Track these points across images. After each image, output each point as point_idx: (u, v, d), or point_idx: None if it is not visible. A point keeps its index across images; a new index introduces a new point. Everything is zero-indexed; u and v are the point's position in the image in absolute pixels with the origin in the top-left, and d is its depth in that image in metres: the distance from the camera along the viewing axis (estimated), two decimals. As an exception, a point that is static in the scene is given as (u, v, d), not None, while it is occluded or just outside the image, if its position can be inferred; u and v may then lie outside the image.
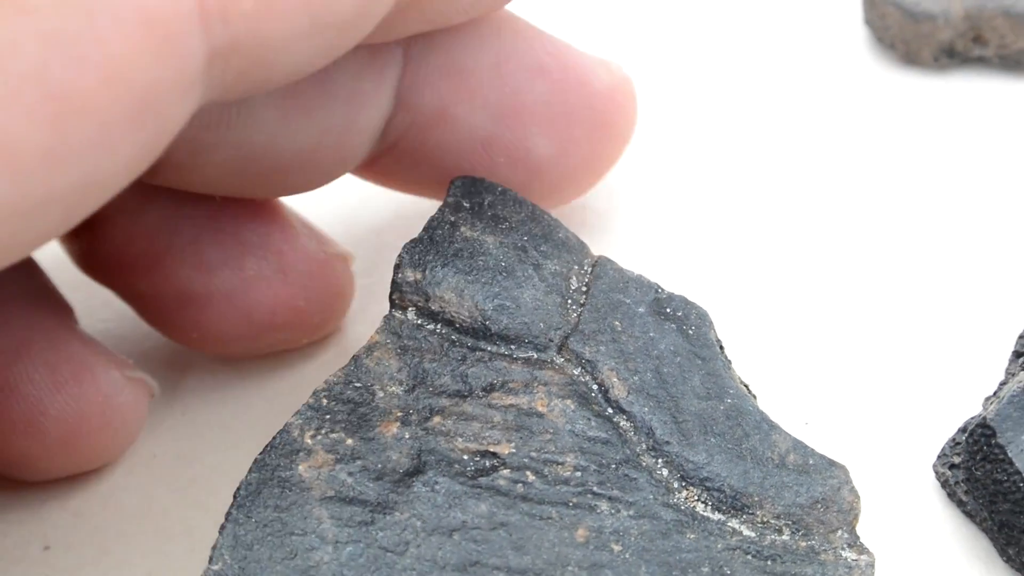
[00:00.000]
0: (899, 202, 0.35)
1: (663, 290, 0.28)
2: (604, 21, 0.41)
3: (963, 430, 0.28)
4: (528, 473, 0.25)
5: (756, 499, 0.26)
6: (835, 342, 0.31)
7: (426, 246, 0.27)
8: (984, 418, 0.27)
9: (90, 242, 0.29)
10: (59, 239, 0.30)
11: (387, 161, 0.30)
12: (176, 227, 0.29)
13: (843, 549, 0.26)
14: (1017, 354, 0.30)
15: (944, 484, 0.28)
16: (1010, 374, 0.29)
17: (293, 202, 0.32)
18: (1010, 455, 0.26)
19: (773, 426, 0.27)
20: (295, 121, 0.27)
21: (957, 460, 0.28)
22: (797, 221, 0.35)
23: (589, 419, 0.26)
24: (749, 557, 0.25)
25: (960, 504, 0.28)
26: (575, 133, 0.30)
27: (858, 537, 0.26)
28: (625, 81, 0.31)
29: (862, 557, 0.26)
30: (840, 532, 0.26)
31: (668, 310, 0.28)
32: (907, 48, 0.38)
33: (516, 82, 0.29)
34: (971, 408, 0.30)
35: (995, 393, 0.29)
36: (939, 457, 0.28)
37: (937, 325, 0.32)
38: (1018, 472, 0.26)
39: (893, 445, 0.29)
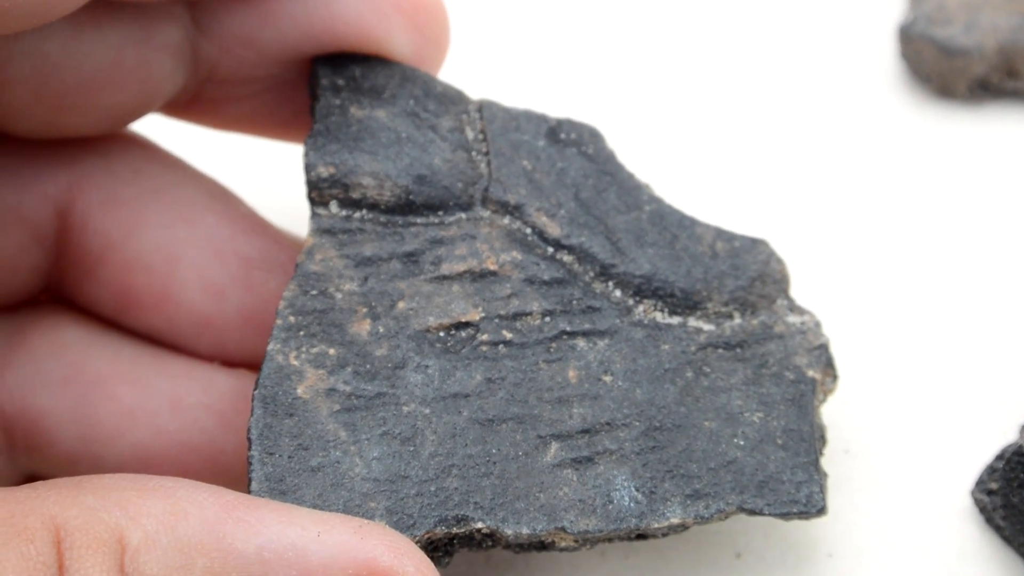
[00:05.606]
0: (933, 232, 0.36)
1: (552, 118, 0.29)
2: (640, 56, 0.42)
3: (1000, 457, 0.29)
4: (504, 332, 0.26)
5: (704, 294, 0.27)
6: (874, 369, 0.32)
7: (326, 138, 0.27)
8: (1020, 446, 0.28)
9: (92, 290, 0.29)
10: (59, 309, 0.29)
11: (216, 93, 0.29)
12: (174, 252, 0.28)
13: (787, 315, 0.28)
14: (1053, 383, 0.30)
15: (982, 510, 0.29)
16: (1046, 402, 0.30)
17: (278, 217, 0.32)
18: (1046, 482, 0.27)
19: (694, 220, 0.28)
20: (88, 32, 0.27)
21: (995, 486, 0.29)
22: (833, 249, 0.35)
23: (538, 263, 0.27)
24: (720, 351, 0.27)
25: (998, 529, 0.29)
26: (396, 38, 0.28)
27: (795, 301, 0.28)
28: None
29: (805, 318, 0.28)
30: (779, 301, 0.28)
31: (563, 136, 0.29)
32: (942, 82, 0.39)
33: None
34: (1008, 436, 0.30)
35: (1031, 421, 0.30)
36: (977, 483, 0.29)
37: (975, 353, 0.32)
38: (1054, 499, 0.27)
39: (932, 472, 0.30)
